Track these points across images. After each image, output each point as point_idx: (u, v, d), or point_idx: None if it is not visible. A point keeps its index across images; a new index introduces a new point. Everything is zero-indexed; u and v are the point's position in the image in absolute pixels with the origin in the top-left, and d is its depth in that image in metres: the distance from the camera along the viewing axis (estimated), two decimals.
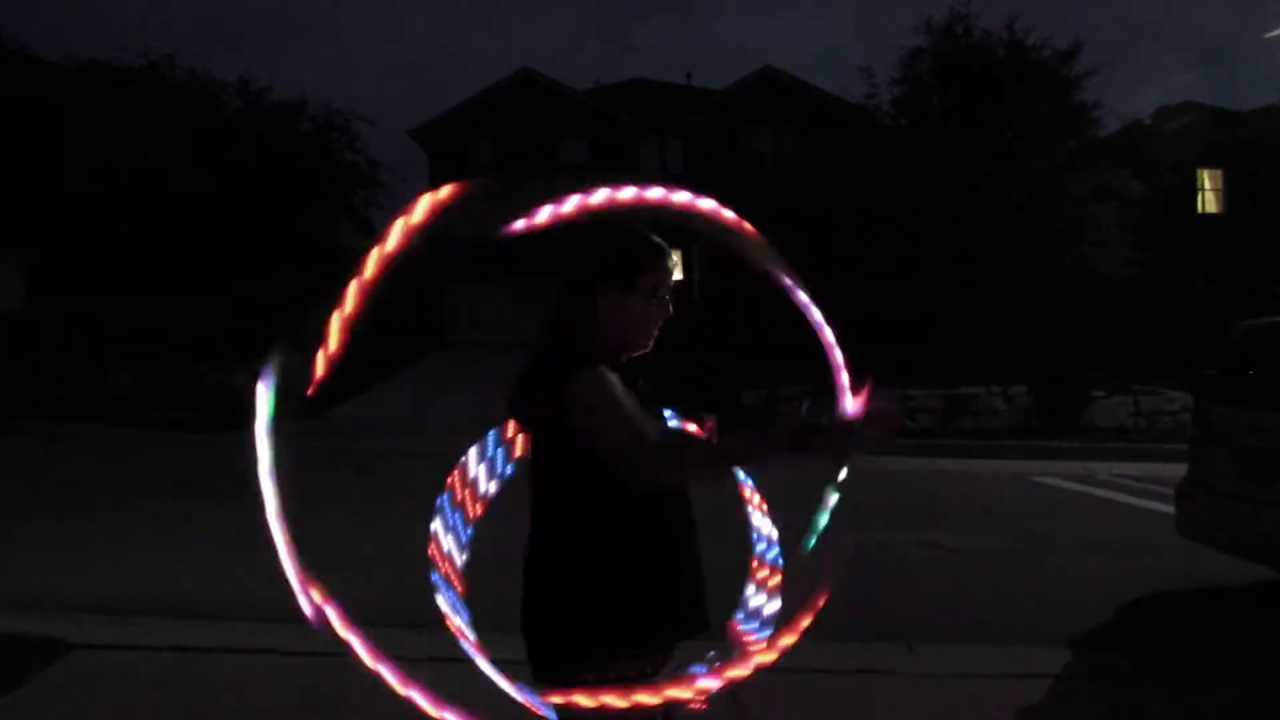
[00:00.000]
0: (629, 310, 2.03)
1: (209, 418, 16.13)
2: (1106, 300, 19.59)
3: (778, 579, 2.31)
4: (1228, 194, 24.93)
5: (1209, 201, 25.40)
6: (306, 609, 1.85)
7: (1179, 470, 6.68)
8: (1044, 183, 18.71)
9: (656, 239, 2.10)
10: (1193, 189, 25.02)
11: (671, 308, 2.10)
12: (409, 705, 1.81)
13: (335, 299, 1.83)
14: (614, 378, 1.92)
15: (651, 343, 2.10)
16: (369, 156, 25.21)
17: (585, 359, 1.94)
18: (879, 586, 6.30)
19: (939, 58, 21.11)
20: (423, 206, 1.77)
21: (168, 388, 18.77)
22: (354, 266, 1.81)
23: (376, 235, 1.81)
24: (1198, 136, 23.93)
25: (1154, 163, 21.91)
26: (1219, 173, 25.00)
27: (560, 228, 1.97)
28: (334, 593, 1.94)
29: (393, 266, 1.84)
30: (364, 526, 8.43)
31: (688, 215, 2.02)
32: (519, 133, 27.94)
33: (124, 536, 7.38)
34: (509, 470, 2.34)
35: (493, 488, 2.34)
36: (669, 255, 2.12)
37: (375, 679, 1.93)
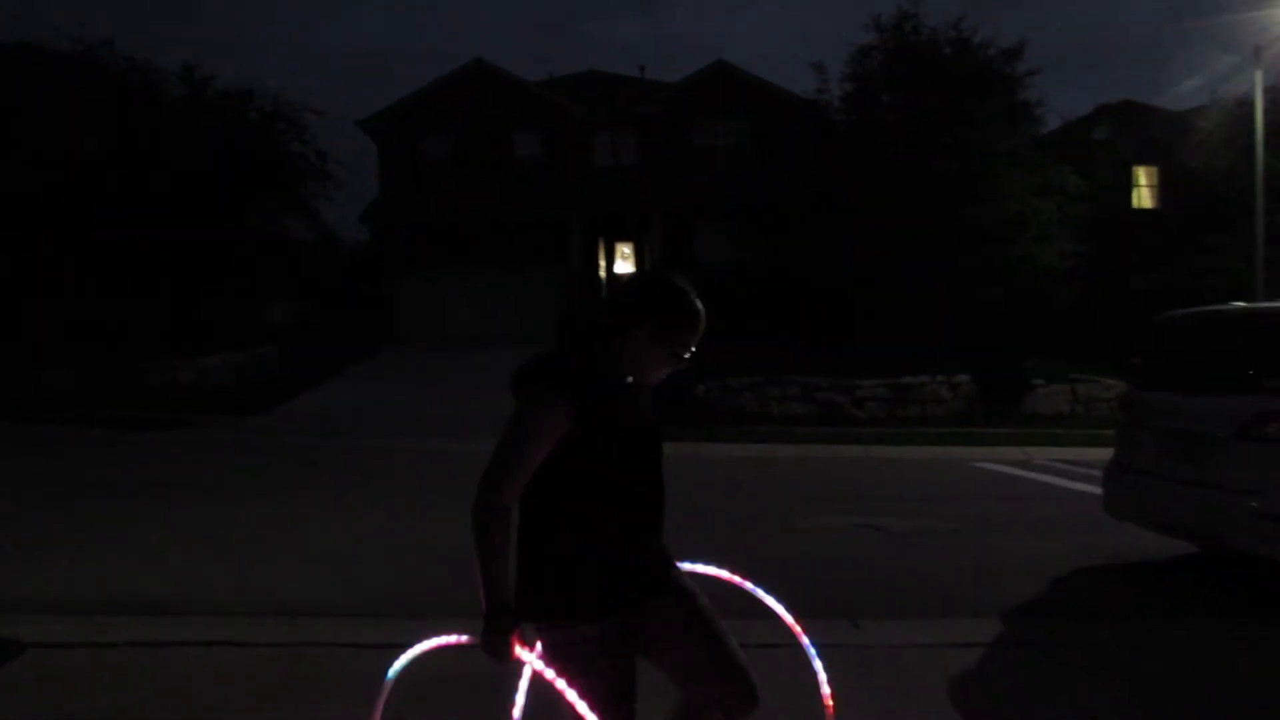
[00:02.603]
0: (650, 354, 2.32)
1: (155, 415, 15.96)
2: (1049, 293, 20.18)
3: None
4: (1163, 190, 25.75)
5: (1144, 197, 26.21)
6: None
7: (1111, 454, 7.05)
8: (988, 178, 19.24)
9: (699, 307, 2.35)
10: (1130, 185, 25.81)
11: (685, 362, 2.37)
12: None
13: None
14: (559, 410, 2.20)
15: (664, 375, 2.39)
16: (317, 148, 24.98)
17: (558, 379, 2.23)
18: (825, 568, 6.59)
19: (888, 55, 21.55)
20: None
21: (109, 386, 18.31)
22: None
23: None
24: (1136, 134, 24.69)
25: (1093, 159, 22.60)
26: (1154, 169, 25.81)
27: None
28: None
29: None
30: (324, 518, 8.52)
31: None
32: (471, 125, 27.87)
33: (74, 537, 7.35)
34: None
35: None
36: (701, 325, 2.36)
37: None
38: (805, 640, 2.57)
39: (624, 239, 28.71)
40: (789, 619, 2.63)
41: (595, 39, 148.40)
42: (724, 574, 2.64)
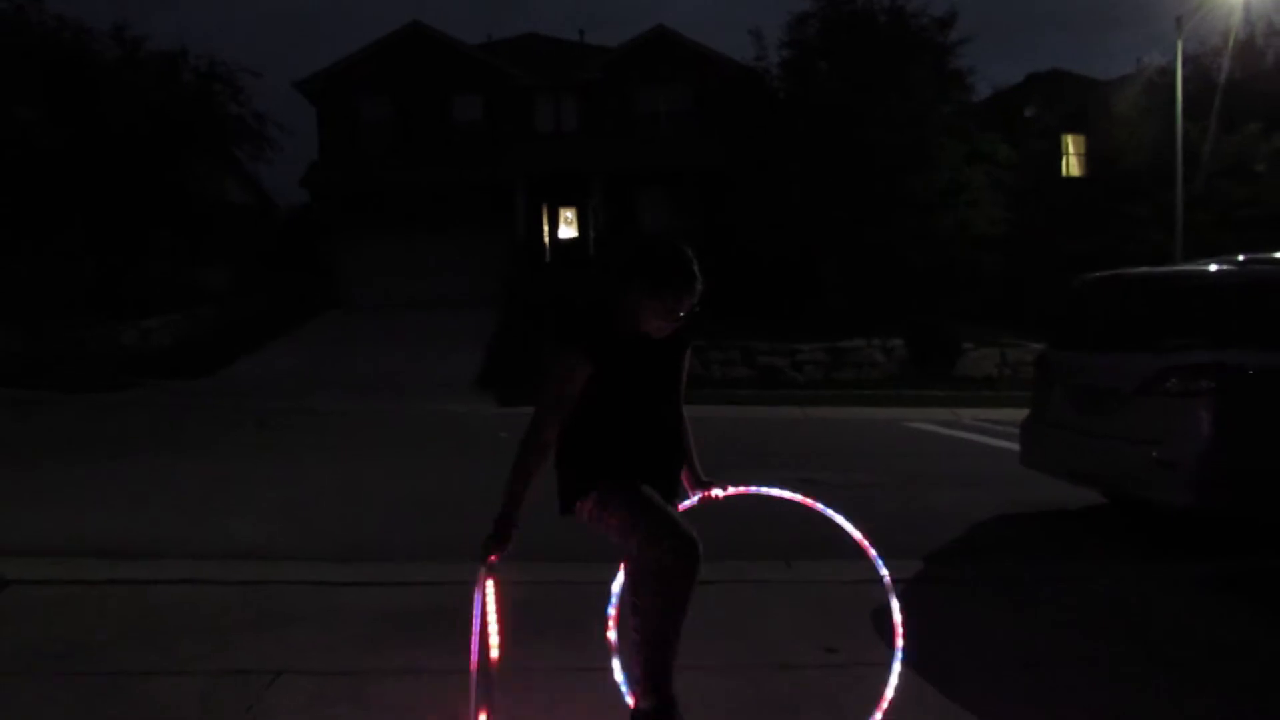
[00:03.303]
0: (647, 309, 2.76)
1: (97, 377, 15.85)
2: (980, 260, 20.82)
3: None
4: (1090, 158, 26.58)
5: (1072, 165, 27.04)
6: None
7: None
8: (921, 146, 19.74)
9: (687, 269, 2.78)
10: (1058, 153, 26.59)
11: (683, 315, 2.81)
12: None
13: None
14: (575, 359, 2.76)
15: (668, 328, 2.84)
16: (255, 109, 24.58)
17: (576, 334, 2.78)
18: (761, 518, 6.95)
19: (825, 23, 21.86)
20: None
21: (45, 347, 18.09)
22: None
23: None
24: (1064, 104, 25.41)
25: (1021, 128, 23.26)
26: (1082, 138, 26.62)
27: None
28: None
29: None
30: (273, 472, 8.68)
31: None
32: (410, 88, 27.62)
33: (38, 492, 7.47)
34: None
35: None
36: (696, 286, 2.79)
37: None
38: (883, 570, 3.08)
39: (567, 204, 28.78)
40: (867, 546, 3.16)
41: (534, 1, 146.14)
42: (799, 498, 3.17)
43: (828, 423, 13.66)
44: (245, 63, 24.79)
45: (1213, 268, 6.16)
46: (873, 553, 3.08)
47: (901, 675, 3.71)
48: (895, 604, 2.99)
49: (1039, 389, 7.27)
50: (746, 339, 18.36)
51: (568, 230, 29.14)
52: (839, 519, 3.11)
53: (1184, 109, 19.01)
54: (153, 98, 21.68)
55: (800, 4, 22.40)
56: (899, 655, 3.05)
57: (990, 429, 12.57)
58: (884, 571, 3.03)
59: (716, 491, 3.08)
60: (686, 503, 3.07)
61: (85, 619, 4.19)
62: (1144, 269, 6.96)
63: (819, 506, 3.11)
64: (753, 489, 3.10)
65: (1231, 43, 21.85)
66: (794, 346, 18.30)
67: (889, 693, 3.02)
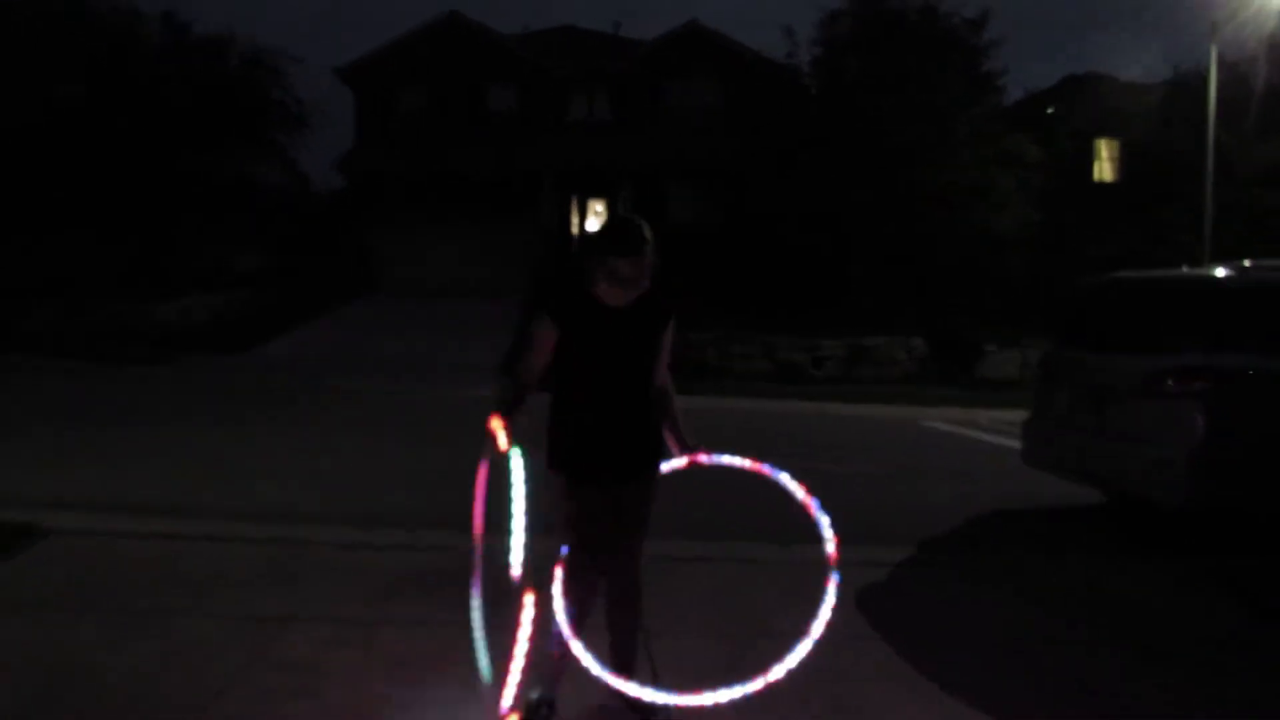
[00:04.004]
0: (601, 275, 3.03)
1: (136, 352, 16.40)
2: (1005, 260, 20.82)
3: None
4: (1122, 162, 26.41)
5: (1104, 169, 26.90)
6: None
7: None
8: (949, 146, 19.80)
9: (636, 241, 3.00)
10: (1090, 157, 26.46)
11: (631, 283, 3.02)
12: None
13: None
14: (543, 323, 3.06)
15: (634, 294, 3.07)
16: (296, 95, 25.11)
17: (546, 299, 3.09)
18: (761, 502, 7.18)
19: (857, 21, 21.93)
20: None
21: (87, 324, 18.73)
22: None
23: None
24: (1098, 107, 25.27)
25: (1054, 131, 23.19)
26: (1115, 142, 26.46)
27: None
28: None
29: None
30: (303, 444, 9.02)
31: None
32: (446, 77, 27.99)
33: (79, 454, 7.89)
34: None
35: None
36: (638, 257, 3.00)
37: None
38: (830, 544, 3.18)
39: (597, 196, 29.04)
40: (821, 521, 3.22)
41: None
42: (749, 464, 3.20)
43: (843, 418, 13.82)
44: (287, 48, 25.26)
45: (1214, 272, 6.30)
46: (826, 530, 3.20)
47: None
48: (835, 579, 3.09)
49: (1042, 389, 7.42)
50: (768, 333, 18.53)
51: (596, 222, 29.43)
52: (799, 492, 3.19)
53: (1220, 115, 18.89)
54: (198, 83, 22.24)
55: (833, 1, 22.49)
56: (815, 631, 3.05)
57: (1005, 430, 12.65)
58: (830, 547, 3.17)
59: (703, 458, 3.24)
60: (673, 463, 3.23)
61: (118, 567, 4.53)
62: (1143, 272, 7.10)
63: (778, 475, 3.19)
64: (725, 459, 3.21)
65: (1268, 49, 21.64)
66: (814, 341, 18.43)
67: (790, 661, 3.00)
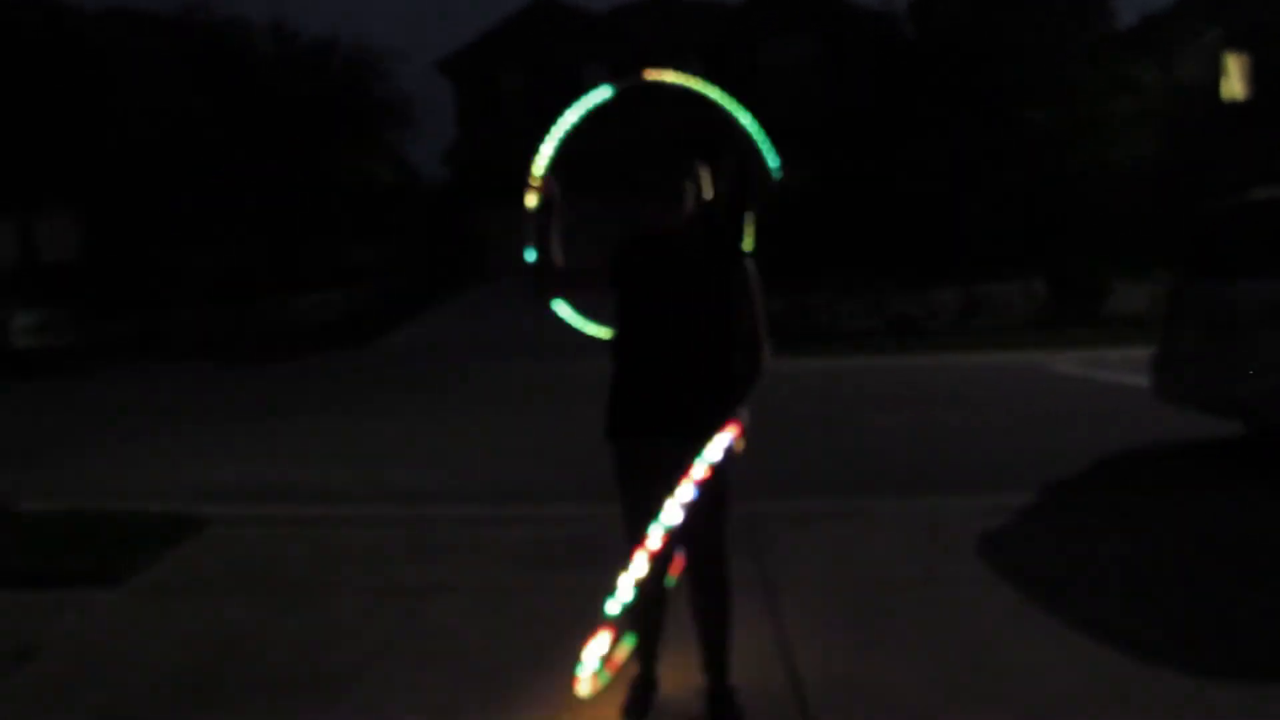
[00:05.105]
0: (637, 200, 3.09)
1: (268, 350, 17.47)
2: (1126, 193, 19.84)
3: None
4: (1258, 80, 24.65)
5: (1234, 88, 25.17)
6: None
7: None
8: (1058, 79, 18.92)
9: (666, 165, 3.13)
10: (1218, 76, 24.80)
11: (654, 191, 3.08)
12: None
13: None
14: (600, 262, 3.09)
15: (659, 227, 3.08)
16: (400, 92, 25.94)
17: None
18: (885, 455, 7.17)
19: None
20: None
21: (227, 322, 20.07)
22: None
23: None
24: (1227, 18, 23.63)
25: (1178, 52, 21.86)
26: (1245, 57, 24.71)
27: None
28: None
29: None
30: (431, 428, 9.41)
31: None
32: (542, 59, 28.29)
33: (227, 448, 8.49)
34: None
35: None
36: (670, 178, 3.10)
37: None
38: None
39: (702, 162, 28.91)
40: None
41: None
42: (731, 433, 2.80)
43: (961, 369, 13.48)
44: (390, 46, 26.05)
45: None
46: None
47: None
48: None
49: (1170, 322, 7.14)
50: (878, 288, 18.20)
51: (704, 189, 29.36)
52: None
53: None
54: (305, 90, 23.19)
55: None
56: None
57: (1137, 367, 12.15)
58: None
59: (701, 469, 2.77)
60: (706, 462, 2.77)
61: (270, 550, 4.89)
62: (1271, 192, 6.70)
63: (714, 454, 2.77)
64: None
65: None
66: (928, 294, 18.02)
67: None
